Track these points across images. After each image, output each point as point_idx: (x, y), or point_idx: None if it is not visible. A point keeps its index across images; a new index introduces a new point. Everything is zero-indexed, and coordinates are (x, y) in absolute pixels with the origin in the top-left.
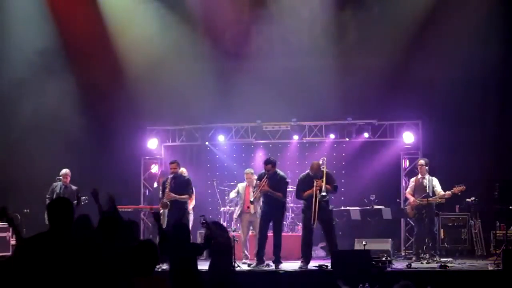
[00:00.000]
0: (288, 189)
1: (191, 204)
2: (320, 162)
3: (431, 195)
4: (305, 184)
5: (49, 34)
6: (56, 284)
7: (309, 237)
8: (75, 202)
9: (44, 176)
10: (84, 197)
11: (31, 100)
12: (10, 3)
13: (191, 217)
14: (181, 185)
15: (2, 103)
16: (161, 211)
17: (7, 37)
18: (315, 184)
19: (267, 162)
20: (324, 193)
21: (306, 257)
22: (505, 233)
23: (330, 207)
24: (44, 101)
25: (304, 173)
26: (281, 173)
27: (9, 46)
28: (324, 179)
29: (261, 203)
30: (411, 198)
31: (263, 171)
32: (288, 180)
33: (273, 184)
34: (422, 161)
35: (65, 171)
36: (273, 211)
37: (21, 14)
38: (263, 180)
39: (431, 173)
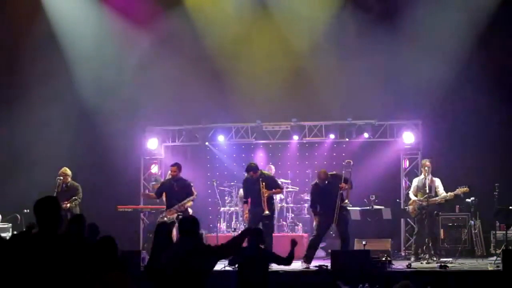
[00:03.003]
0: (288, 189)
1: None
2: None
3: (433, 195)
4: (317, 194)
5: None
6: (42, 284)
7: (319, 241)
8: (78, 199)
9: (44, 175)
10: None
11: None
12: None
13: None
14: (185, 188)
15: None
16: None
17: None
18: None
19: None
20: (347, 201)
21: (310, 258)
22: (505, 233)
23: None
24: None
25: (313, 183)
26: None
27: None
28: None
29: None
30: (413, 198)
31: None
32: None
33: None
34: (425, 161)
35: (62, 169)
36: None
37: None
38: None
39: (432, 173)
